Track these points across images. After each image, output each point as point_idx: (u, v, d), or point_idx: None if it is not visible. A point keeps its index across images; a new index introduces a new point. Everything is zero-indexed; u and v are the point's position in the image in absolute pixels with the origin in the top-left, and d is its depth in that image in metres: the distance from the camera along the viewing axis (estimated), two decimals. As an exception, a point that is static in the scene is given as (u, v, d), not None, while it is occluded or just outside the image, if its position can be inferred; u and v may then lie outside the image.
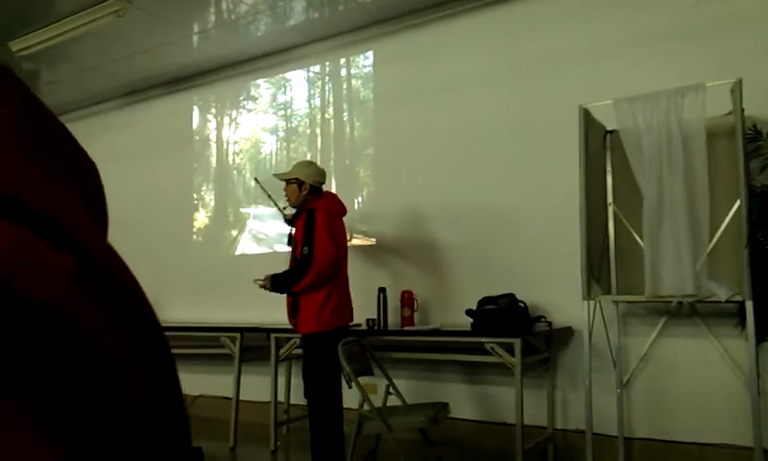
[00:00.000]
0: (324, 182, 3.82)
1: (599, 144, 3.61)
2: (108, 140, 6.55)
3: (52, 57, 5.37)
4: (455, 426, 4.22)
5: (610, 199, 3.68)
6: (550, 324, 3.90)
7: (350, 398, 3.51)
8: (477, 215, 4.39)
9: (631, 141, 3.24)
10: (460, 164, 4.52)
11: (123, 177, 6.39)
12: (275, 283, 3.60)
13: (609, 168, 3.68)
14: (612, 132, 3.57)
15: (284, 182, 3.78)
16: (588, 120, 3.37)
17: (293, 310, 3.59)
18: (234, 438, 4.53)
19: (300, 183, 3.70)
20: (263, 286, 3.64)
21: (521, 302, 3.85)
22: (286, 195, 3.79)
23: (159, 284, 5.95)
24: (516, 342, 3.53)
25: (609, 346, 3.68)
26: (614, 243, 3.69)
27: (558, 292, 3.92)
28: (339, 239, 3.64)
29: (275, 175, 3.95)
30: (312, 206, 3.60)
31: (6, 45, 4.93)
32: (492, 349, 3.61)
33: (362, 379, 3.44)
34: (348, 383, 3.23)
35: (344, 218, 3.77)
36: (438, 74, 4.68)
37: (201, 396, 5.58)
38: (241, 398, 4.63)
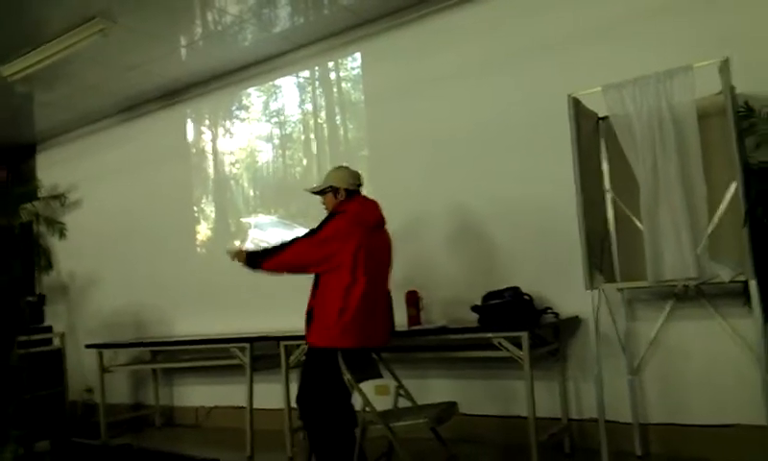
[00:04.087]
0: (359, 185, 3.52)
1: (592, 131, 3.56)
2: (107, 157, 6.59)
3: (44, 79, 5.38)
4: (469, 423, 4.21)
5: (607, 186, 3.64)
6: (557, 314, 3.87)
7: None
8: (476, 210, 4.36)
9: (622, 128, 3.19)
10: (455, 159, 4.48)
11: (124, 194, 6.44)
12: (249, 257, 3.49)
13: (604, 155, 3.64)
14: (604, 118, 3.52)
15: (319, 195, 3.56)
16: (578, 109, 3.32)
17: (308, 319, 3.38)
18: (251, 447, 4.56)
19: (336, 190, 3.44)
20: (234, 257, 3.52)
21: (526, 294, 3.82)
22: (325, 206, 3.53)
23: (168, 299, 6.01)
24: (524, 335, 3.50)
25: (616, 333, 3.65)
26: (615, 230, 3.65)
27: (563, 282, 3.89)
28: (369, 251, 3.29)
29: (307, 190, 3.69)
30: (342, 209, 3.36)
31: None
32: (499, 343, 3.59)
33: (374, 382, 3.43)
34: (349, 389, 3.20)
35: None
36: (426, 71, 4.64)
37: (215, 407, 5.64)
38: (255, 406, 4.65)
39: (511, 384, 4.13)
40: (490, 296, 3.85)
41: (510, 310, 3.71)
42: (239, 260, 3.54)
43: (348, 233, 3.27)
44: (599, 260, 3.43)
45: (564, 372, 4.01)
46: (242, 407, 4.74)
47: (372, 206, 3.48)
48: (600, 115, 3.57)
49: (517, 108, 4.20)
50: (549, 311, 3.89)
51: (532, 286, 3.87)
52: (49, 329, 5.71)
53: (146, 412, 5.97)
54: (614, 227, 3.65)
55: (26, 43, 4.73)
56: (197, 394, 5.80)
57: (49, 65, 4.92)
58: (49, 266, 6.97)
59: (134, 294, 6.20)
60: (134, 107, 6.32)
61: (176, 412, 5.95)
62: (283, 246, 3.42)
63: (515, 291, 3.82)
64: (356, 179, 3.52)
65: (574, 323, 3.95)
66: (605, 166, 3.65)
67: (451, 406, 3.29)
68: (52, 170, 7.13)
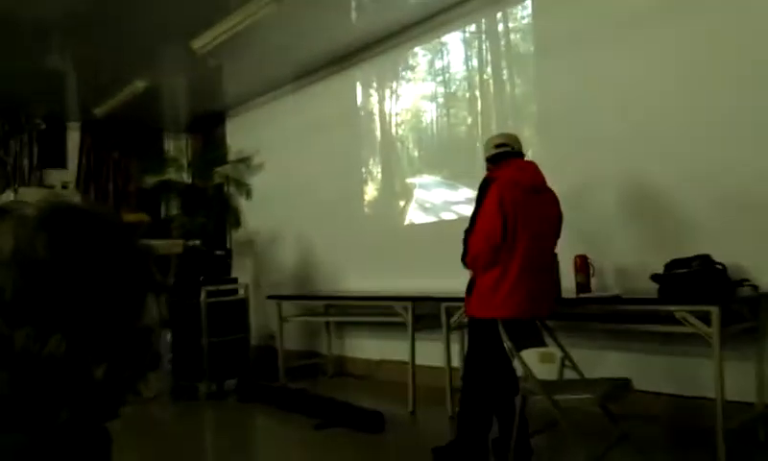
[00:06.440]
0: (505, 146, 3.31)
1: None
2: (285, 123, 7.01)
3: (229, 51, 5.77)
4: (645, 400, 3.88)
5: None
6: (756, 287, 3.38)
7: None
8: (662, 169, 3.93)
9: None
10: (638, 113, 4.06)
11: (300, 157, 6.81)
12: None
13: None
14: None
15: None
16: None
17: (469, 288, 3.31)
18: (413, 402, 4.65)
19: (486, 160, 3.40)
20: None
21: (719, 263, 3.38)
22: None
23: (337, 256, 6.31)
24: (714, 310, 3.13)
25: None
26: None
27: (765, 251, 3.38)
28: (527, 216, 3.12)
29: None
30: (493, 176, 3.22)
31: (188, 45, 5.43)
32: (683, 318, 3.24)
33: (538, 350, 3.28)
34: (510, 357, 3.07)
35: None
36: (607, 14, 4.21)
37: (383, 360, 5.84)
38: (420, 363, 4.73)
39: (695, 362, 3.72)
40: (674, 264, 3.50)
41: (698, 281, 3.34)
42: None
43: (502, 197, 3.10)
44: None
45: (761, 352, 3.51)
46: (407, 362, 4.83)
47: (529, 168, 3.30)
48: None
49: (724, 55, 3.64)
50: (746, 284, 3.41)
51: (726, 255, 3.41)
52: (235, 281, 6.27)
53: (319, 361, 6.37)
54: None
55: (210, 17, 5.08)
56: (367, 347, 6.06)
57: (232, 37, 5.26)
58: (237, 224, 7.65)
59: (311, 250, 6.61)
60: (309, 73, 6.60)
61: (347, 362, 6.28)
62: (465, 240, 3.27)
63: (704, 259, 3.42)
64: (502, 142, 3.34)
65: (777, 298, 3.42)
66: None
67: (624, 384, 3.04)
68: (239, 135, 7.77)
